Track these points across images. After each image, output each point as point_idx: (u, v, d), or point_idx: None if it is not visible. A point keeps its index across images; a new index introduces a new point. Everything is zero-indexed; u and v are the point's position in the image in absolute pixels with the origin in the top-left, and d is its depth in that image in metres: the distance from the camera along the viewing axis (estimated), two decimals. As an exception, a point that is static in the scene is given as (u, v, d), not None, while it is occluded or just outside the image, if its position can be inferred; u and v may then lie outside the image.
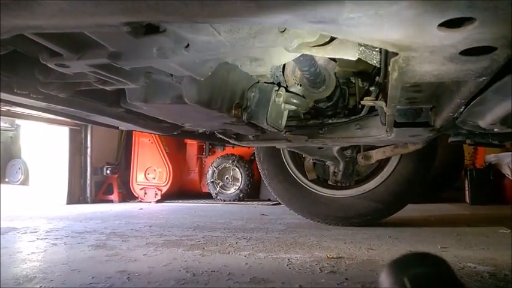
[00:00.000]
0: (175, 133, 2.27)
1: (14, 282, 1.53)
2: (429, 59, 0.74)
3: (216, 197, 5.51)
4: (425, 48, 0.69)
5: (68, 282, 1.53)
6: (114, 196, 5.58)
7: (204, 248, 2.14)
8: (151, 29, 0.86)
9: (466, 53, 0.70)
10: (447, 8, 0.53)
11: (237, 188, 5.47)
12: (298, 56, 1.11)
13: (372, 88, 1.66)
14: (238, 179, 5.50)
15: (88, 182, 5.48)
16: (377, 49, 1.29)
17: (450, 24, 0.57)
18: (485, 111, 1.22)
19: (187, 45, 0.92)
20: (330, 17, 0.59)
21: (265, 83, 1.54)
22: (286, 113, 1.67)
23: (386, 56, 1.21)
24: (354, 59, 0.94)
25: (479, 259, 1.82)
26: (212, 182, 5.54)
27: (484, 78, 0.86)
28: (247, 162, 5.54)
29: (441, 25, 0.58)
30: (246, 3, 0.55)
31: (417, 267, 0.51)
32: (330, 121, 1.97)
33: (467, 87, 0.98)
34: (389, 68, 0.84)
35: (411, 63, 0.78)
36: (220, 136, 2.25)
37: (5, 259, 1.93)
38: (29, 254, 2.04)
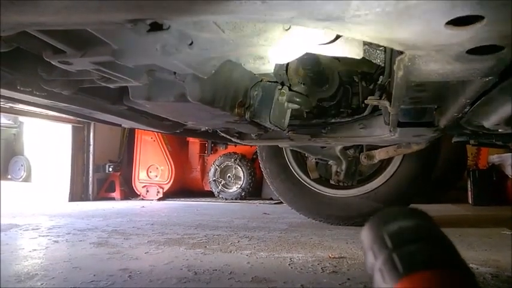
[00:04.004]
0: (177, 131, 2.26)
1: (15, 279, 1.53)
2: (435, 57, 0.74)
3: (218, 196, 5.52)
4: (432, 46, 0.68)
5: (70, 279, 1.53)
6: (116, 194, 5.59)
7: (206, 247, 2.14)
8: (155, 27, 0.85)
9: (472, 51, 0.69)
10: (456, 6, 0.52)
11: (239, 186, 5.47)
12: (302, 54, 1.10)
13: (375, 87, 1.65)
14: (240, 177, 5.50)
15: (90, 179, 5.49)
16: (381, 48, 1.29)
17: (458, 22, 0.57)
18: (490, 111, 1.21)
19: (191, 43, 0.91)
20: (336, 15, 0.59)
21: (269, 81, 1.54)
22: (289, 112, 1.66)
23: (391, 55, 1.21)
24: (359, 57, 0.94)
25: (482, 260, 1.81)
26: (214, 180, 5.54)
27: (490, 77, 0.85)
28: (250, 161, 5.54)
29: (449, 23, 0.57)
30: (252, 1, 0.55)
31: (398, 222, 0.49)
32: (333, 120, 1.96)
33: (472, 86, 0.97)
34: (395, 67, 0.84)
35: (417, 62, 0.77)
36: (223, 135, 2.24)
37: (7, 256, 1.93)
38: (30, 251, 2.04)
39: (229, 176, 5.56)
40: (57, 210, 4.11)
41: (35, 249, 2.09)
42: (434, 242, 0.47)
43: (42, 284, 1.47)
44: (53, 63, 1.00)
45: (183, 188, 5.95)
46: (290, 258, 1.86)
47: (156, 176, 5.61)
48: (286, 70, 1.63)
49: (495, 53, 0.69)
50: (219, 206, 4.70)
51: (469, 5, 0.52)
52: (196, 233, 2.60)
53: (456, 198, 4.89)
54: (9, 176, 6.69)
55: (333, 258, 1.88)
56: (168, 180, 5.58)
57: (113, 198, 5.54)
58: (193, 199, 5.50)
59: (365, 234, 0.51)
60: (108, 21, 0.69)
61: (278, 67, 1.55)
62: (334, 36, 0.88)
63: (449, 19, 0.56)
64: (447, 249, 0.47)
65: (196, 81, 1.22)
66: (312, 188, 2.91)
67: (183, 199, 5.52)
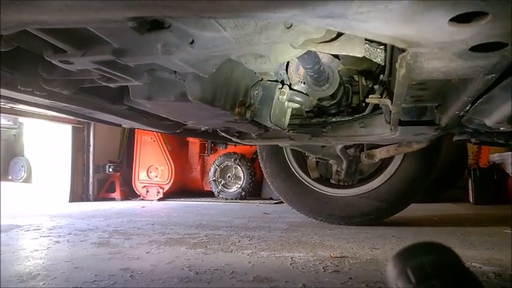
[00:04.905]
0: (177, 131, 2.26)
1: (17, 279, 1.53)
2: (438, 55, 0.73)
3: (218, 196, 5.51)
4: (435, 44, 0.68)
5: (71, 279, 1.53)
6: (116, 194, 5.58)
7: (206, 247, 2.14)
8: (156, 25, 0.85)
9: (475, 49, 0.69)
10: (459, 2, 0.51)
11: (239, 186, 5.47)
12: (303, 53, 1.10)
13: (375, 86, 1.65)
14: (240, 177, 5.50)
15: (90, 180, 5.49)
16: (381, 47, 1.28)
17: (461, 19, 0.56)
18: (492, 109, 1.21)
19: (192, 42, 0.91)
20: (338, 12, 0.58)
21: (269, 80, 1.53)
22: (289, 111, 1.66)
23: (392, 53, 1.21)
24: (361, 55, 0.93)
25: (484, 259, 1.81)
26: (214, 180, 5.53)
27: (492, 75, 0.85)
28: (250, 161, 5.54)
29: (452, 20, 0.57)
30: (254, -2, 0.54)
31: (420, 257, 0.51)
32: (333, 119, 1.96)
33: (474, 84, 0.97)
34: (397, 65, 0.83)
35: (419, 59, 0.77)
36: (223, 134, 2.24)
37: (8, 256, 1.93)
38: (32, 252, 2.04)
39: (229, 176, 5.56)
40: (57, 210, 4.11)
41: (36, 250, 2.09)
42: (455, 275, 0.48)
43: (44, 284, 1.47)
44: (54, 62, 1.00)
45: (183, 188, 5.94)
46: (291, 258, 1.86)
47: (156, 176, 5.61)
48: (286, 69, 1.63)
49: (499, 50, 0.68)
50: (219, 206, 4.69)
51: (472, 2, 0.52)
52: (196, 233, 2.59)
53: (457, 197, 4.89)
54: (9, 177, 6.69)
55: (335, 257, 1.87)
56: (168, 180, 5.58)
57: (113, 199, 5.54)
58: (193, 199, 5.50)
59: (389, 269, 0.52)
60: (109, 19, 0.69)
61: (278, 66, 1.54)
62: (335, 34, 0.87)
63: (453, 16, 0.56)
64: (468, 283, 0.48)
65: (197, 80, 1.22)
66: (313, 188, 2.90)
67: (183, 199, 5.52)
